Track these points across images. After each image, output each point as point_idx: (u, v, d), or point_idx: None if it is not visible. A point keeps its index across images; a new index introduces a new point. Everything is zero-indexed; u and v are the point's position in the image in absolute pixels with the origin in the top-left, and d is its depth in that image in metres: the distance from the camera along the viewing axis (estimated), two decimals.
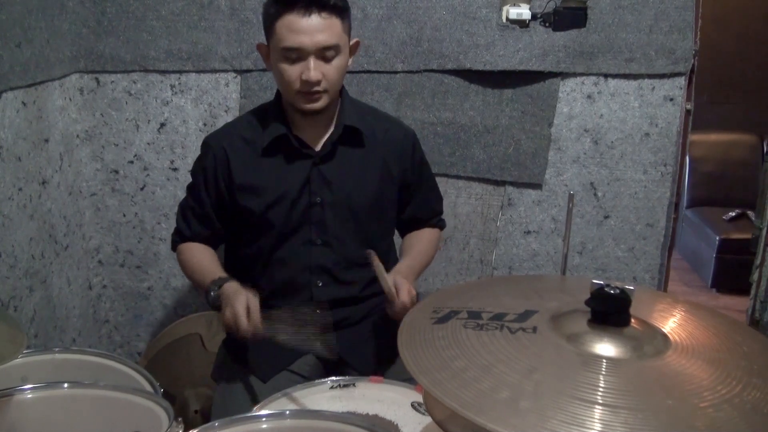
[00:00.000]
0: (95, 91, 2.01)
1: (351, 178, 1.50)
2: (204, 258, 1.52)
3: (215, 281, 1.40)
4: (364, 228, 1.53)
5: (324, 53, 1.37)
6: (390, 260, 1.65)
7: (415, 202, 1.63)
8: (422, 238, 1.66)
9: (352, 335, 1.51)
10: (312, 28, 1.34)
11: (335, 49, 1.38)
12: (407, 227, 1.68)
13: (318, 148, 1.48)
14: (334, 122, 1.49)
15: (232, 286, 1.36)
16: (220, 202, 1.51)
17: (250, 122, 1.52)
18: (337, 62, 1.39)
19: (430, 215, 1.68)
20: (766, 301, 2.18)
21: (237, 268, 1.58)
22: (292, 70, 1.38)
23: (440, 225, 1.71)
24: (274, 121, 1.48)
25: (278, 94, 1.50)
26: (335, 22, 1.37)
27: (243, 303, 1.29)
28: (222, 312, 1.34)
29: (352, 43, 1.46)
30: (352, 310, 1.52)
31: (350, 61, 1.47)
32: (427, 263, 1.65)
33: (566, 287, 1.09)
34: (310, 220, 1.49)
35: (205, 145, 1.53)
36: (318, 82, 1.38)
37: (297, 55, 1.36)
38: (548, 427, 0.69)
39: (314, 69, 1.36)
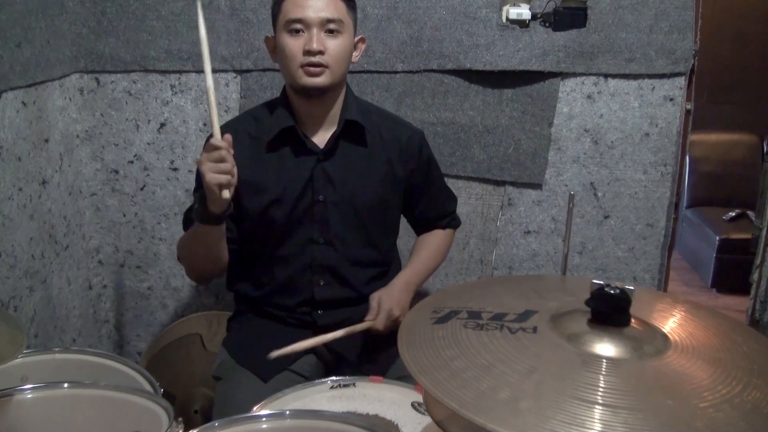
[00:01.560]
0: (95, 91, 2.01)
1: (354, 177, 1.50)
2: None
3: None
4: (367, 228, 1.53)
5: (328, 26, 1.39)
6: (393, 261, 1.65)
7: (423, 202, 1.64)
8: (430, 243, 1.67)
9: (354, 334, 1.51)
10: (318, 3, 1.38)
11: (339, 24, 1.40)
12: (419, 226, 1.70)
13: (322, 145, 1.48)
14: (337, 119, 1.50)
15: None
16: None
17: (256, 117, 1.53)
18: (341, 40, 1.41)
19: (441, 215, 1.68)
20: (766, 301, 2.18)
21: (240, 265, 1.58)
22: (296, 43, 1.40)
23: (453, 225, 1.71)
24: (279, 117, 1.48)
25: (283, 92, 1.51)
26: (340, 4, 1.41)
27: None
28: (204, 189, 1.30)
29: (357, 38, 1.49)
30: (353, 310, 1.52)
31: (355, 56, 1.50)
32: (434, 267, 1.67)
33: (566, 287, 1.09)
34: (312, 218, 1.49)
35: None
36: (321, 53, 1.39)
37: (301, 26, 1.39)
38: (548, 427, 0.69)
39: (317, 40, 1.38)
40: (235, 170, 1.29)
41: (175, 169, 2.07)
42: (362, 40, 1.52)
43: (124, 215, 2.11)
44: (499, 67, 1.92)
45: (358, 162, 1.51)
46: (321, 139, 1.49)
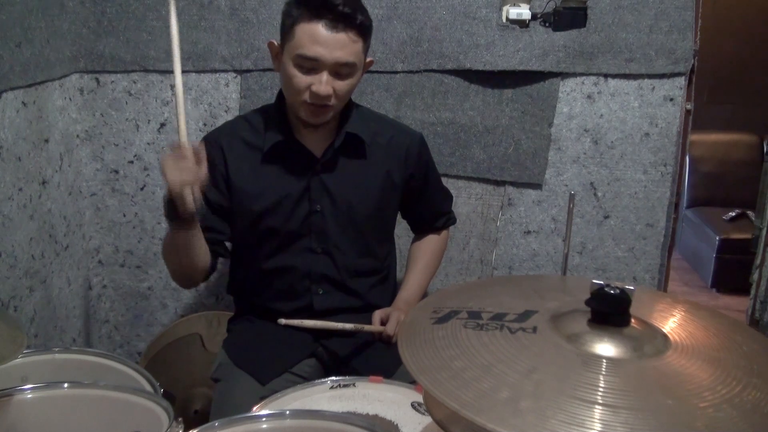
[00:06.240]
0: (95, 91, 2.01)
1: (352, 187, 1.48)
2: None
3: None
4: (365, 236, 1.52)
5: (339, 69, 1.34)
6: (390, 264, 1.64)
7: (420, 204, 1.63)
8: (426, 251, 1.67)
9: (356, 340, 1.51)
10: (335, 42, 1.31)
11: (351, 67, 1.36)
12: (415, 226, 1.71)
13: (319, 155, 1.46)
14: (335, 128, 1.48)
15: None
16: (222, 201, 1.48)
17: (252, 123, 1.50)
18: (349, 80, 1.38)
19: (437, 216, 1.68)
20: (766, 301, 2.18)
21: (238, 271, 1.57)
22: (303, 80, 1.35)
23: (448, 224, 1.72)
24: (276, 126, 1.46)
25: (280, 97, 1.49)
26: (358, 42, 1.35)
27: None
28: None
29: (367, 61, 1.44)
30: (355, 317, 1.50)
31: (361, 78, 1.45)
32: (432, 274, 1.69)
33: (566, 287, 1.09)
34: (309, 229, 1.47)
35: (203, 143, 1.51)
36: (328, 97, 1.35)
37: (312, 65, 1.33)
38: (548, 427, 0.69)
39: (326, 83, 1.34)
40: (203, 172, 1.24)
41: None
42: (371, 63, 1.46)
43: (124, 215, 2.11)
44: (499, 67, 1.92)
45: (356, 173, 1.49)
46: (318, 147, 1.47)
